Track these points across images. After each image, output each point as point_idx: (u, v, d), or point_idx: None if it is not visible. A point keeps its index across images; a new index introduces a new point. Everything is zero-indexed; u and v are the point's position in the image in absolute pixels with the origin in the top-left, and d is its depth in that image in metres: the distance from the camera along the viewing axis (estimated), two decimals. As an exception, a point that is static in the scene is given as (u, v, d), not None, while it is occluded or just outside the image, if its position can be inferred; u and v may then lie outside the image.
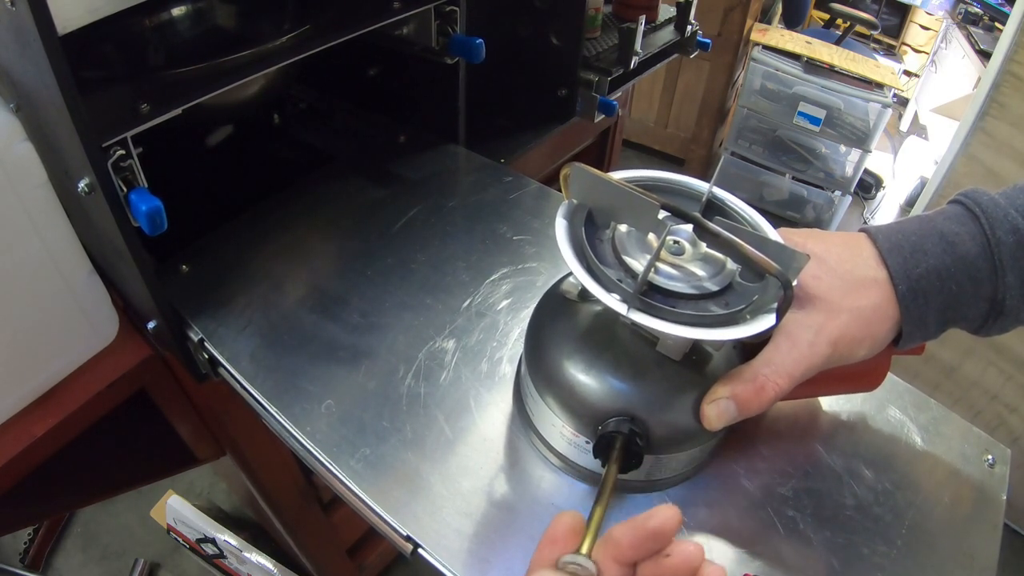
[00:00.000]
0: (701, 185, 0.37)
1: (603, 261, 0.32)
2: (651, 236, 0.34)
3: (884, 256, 0.34)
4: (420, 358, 0.44)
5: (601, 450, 0.33)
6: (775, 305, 0.30)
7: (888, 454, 0.42)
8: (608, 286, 0.31)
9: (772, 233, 0.34)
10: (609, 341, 0.35)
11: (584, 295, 0.37)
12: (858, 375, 0.39)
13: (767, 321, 0.30)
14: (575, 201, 0.34)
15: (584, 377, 0.34)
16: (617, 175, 0.34)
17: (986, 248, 0.33)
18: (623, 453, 0.33)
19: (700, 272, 0.33)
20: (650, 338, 0.34)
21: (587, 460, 0.36)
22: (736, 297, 0.32)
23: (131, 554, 1.21)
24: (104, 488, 0.62)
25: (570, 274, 0.39)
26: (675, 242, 0.34)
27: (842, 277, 0.34)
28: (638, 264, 0.32)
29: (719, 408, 0.33)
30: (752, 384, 0.32)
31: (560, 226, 0.33)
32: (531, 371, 0.38)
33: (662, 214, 0.31)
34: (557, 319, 0.37)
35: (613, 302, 0.30)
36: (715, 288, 0.32)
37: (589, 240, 0.33)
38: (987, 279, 0.33)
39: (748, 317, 0.31)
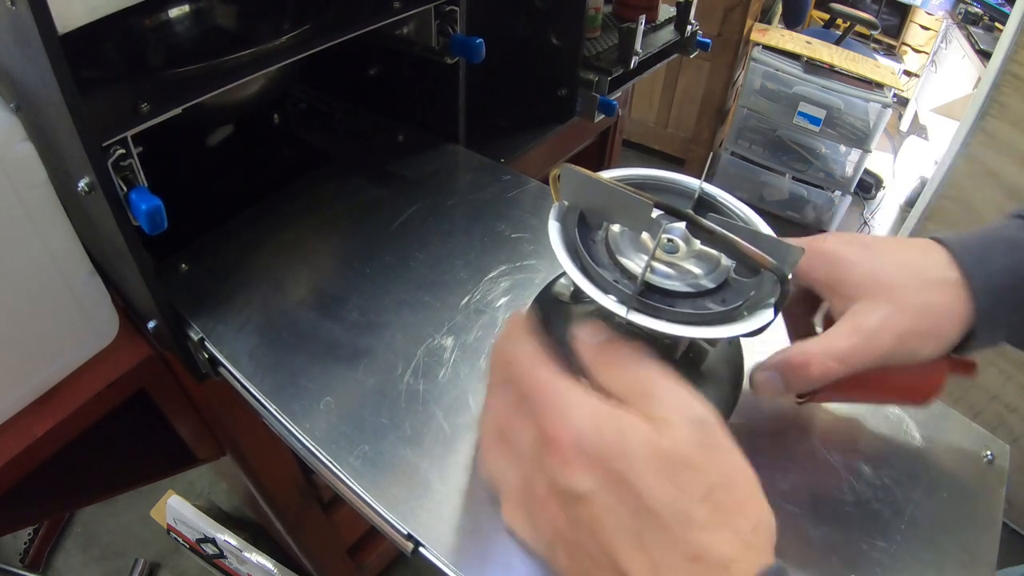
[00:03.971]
0: (692, 182, 0.37)
1: (598, 262, 0.32)
2: (645, 235, 0.34)
3: (956, 257, 0.34)
4: (419, 355, 0.45)
5: None
6: (773, 300, 0.30)
7: (887, 450, 0.42)
8: (605, 288, 0.31)
9: (764, 227, 0.34)
10: None
11: (577, 296, 0.37)
12: (913, 386, 0.38)
13: (765, 316, 0.30)
14: (566, 203, 0.34)
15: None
16: (607, 174, 0.34)
17: None
18: None
19: (695, 269, 0.33)
20: (646, 338, 0.34)
21: None
22: (732, 293, 0.32)
23: (131, 554, 1.22)
24: (104, 488, 0.62)
25: (561, 275, 0.39)
26: (669, 240, 0.34)
27: (915, 275, 0.34)
28: (633, 264, 0.32)
29: (764, 376, 0.34)
30: (799, 359, 0.33)
31: (553, 228, 0.32)
32: None
33: (655, 212, 0.31)
34: (550, 322, 0.37)
35: (611, 304, 0.30)
36: (711, 285, 0.32)
37: (583, 241, 0.33)
38: None
39: (746, 313, 0.31)
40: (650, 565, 0.23)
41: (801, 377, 0.33)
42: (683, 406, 0.25)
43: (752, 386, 0.34)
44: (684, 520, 0.23)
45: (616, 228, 0.34)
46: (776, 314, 0.30)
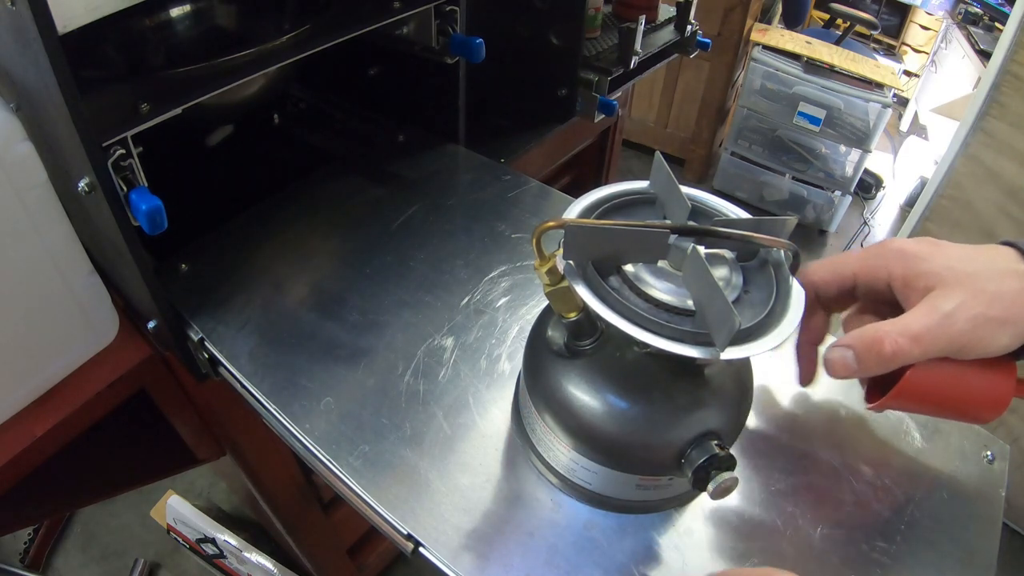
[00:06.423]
0: (641, 184, 0.35)
1: (644, 310, 0.30)
2: (662, 263, 0.32)
3: None
4: (419, 355, 0.45)
5: (700, 480, 0.32)
6: (789, 279, 0.30)
7: (887, 450, 0.42)
8: (681, 337, 0.28)
9: (741, 212, 0.34)
10: (626, 374, 0.33)
11: (572, 348, 0.34)
12: (982, 394, 0.36)
13: (798, 292, 0.30)
14: (572, 263, 0.31)
15: (627, 424, 0.33)
16: (575, 209, 0.32)
17: None
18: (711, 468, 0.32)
19: (723, 274, 0.31)
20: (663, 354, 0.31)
21: (585, 475, 0.36)
22: (756, 289, 0.31)
23: (131, 554, 1.21)
24: (104, 488, 0.62)
25: (546, 321, 0.37)
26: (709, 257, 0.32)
27: (988, 266, 0.34)
28: (671, 298, 0.30)
29: (837, 354, 0.34)
30: (872, 335, 0.33)
31: (585, 295, 0.30)
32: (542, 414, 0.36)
33: (672, 238, 0.30)
34: (544, 368, 0.35)
35: (706, 352, 0.28)
36: (736, 293, 0.31)
37: (621, 298, 0.30)
38: None
39: (777, 309, 0.30)
40: None
41: (874, 354, 0.33)
42: None
43: (825, 365, 0.34)
44: None
45: (630, 268, 0.32)
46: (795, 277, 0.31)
